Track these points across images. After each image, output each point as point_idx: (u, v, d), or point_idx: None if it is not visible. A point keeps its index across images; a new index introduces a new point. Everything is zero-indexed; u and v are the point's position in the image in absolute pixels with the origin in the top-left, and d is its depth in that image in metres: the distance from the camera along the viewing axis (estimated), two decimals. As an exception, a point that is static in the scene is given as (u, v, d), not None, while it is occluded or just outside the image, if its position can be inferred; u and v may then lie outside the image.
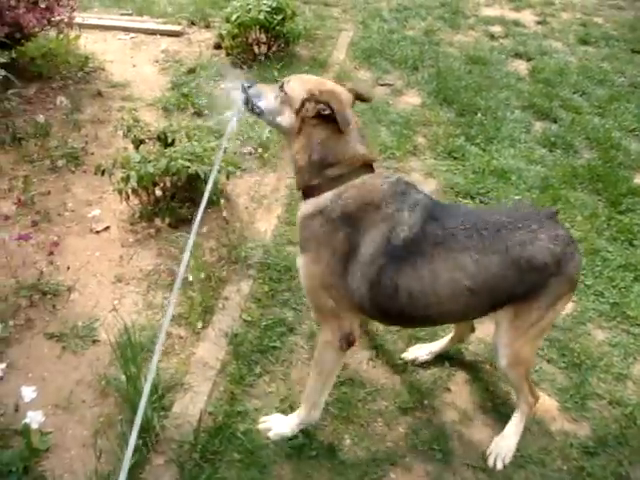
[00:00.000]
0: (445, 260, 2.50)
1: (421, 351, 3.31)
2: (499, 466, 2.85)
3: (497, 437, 2.93)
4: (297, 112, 2.56)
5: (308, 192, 2.62)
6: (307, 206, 2.62)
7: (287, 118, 2.61)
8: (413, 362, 3.29)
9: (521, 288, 2.58)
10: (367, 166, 2.62)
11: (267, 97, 2.69)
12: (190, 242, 2.41)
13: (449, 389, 3.18)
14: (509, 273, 2.53)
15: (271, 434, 2.88)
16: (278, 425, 2.89)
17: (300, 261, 2.68)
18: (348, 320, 2.67)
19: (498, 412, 3.07)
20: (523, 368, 2.80)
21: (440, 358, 3.31)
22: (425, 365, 3.27)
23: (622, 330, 3.57)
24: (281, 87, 2.66)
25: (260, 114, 2.73)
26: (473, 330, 3.29)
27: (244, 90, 2.72)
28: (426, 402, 3.10)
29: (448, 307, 2.59)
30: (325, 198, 2.55)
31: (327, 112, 2.48)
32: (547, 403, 3.11)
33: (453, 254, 2.51)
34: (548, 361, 3.33)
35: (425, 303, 2.55)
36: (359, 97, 2.74)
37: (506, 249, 2.51)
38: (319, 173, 2.56)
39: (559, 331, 3.51)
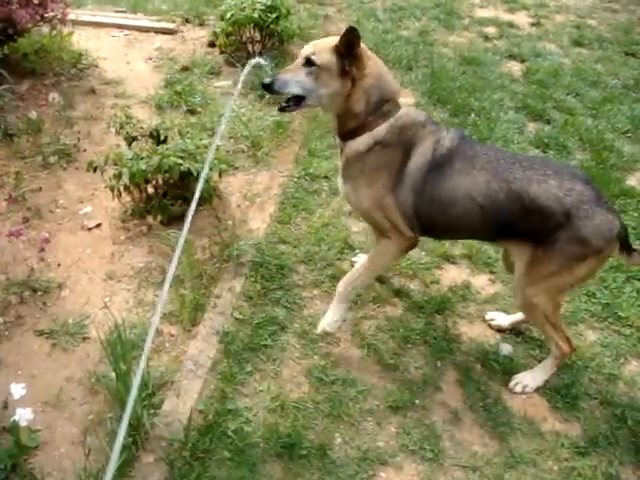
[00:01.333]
0: (467, 175, 2.87)
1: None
2: (517, 390, 3.15)
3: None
4: (341, 74, 2.81)
5: (359, 130, 2.93)
6: (360, 142, 2.94)
7: (333, 85, 2.84)
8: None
9: (525, 226, 2.84)
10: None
11: (298, 81, 2.86)
12: (181, 240, 2.40)
13: (440, 388, 3.17)
14: (513, 205, 2.81)
15: (326, 326, 3.23)
16: (326, 318, 3.24)
17: (352, 191, 3.05)
18: (406, 230, 3.03)
19: (489, 412, 3.07)
20: (539, 315, 3.03)
21: (431, 358, 3.31)
22: (417, 366, 3.28)
23: (613, 331, 3.57)
24: (307, 63, 2.84)
25: (301, 100, 2.93)
26: None
27: (267, 87, 2.91)
28: (417, 401, 3.10)
29: (464, 219, 2.93)
30: (381, 129, 2.91)
31: (355, 53, 2.76)
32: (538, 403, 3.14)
33: (473, 171, 2.86)
34: (539, 361, 3.32)
35: (448, 212, 2.91)
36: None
37: (513, 180, 2.81)
38: (375, 111, 2.89)
39: (551, 331, 3.52)
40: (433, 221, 2.99)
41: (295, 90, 2.87)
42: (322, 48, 2.83)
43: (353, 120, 2.92)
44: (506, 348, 3.39)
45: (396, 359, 3.30)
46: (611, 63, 7.06)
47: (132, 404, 1.87)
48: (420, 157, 2.89)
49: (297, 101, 2.93)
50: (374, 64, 2.89)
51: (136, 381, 1.96)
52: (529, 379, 3.17)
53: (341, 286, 3.21)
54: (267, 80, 2.88)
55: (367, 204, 3.02)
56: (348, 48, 2.76)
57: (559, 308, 3.14)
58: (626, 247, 2.92)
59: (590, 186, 2.84)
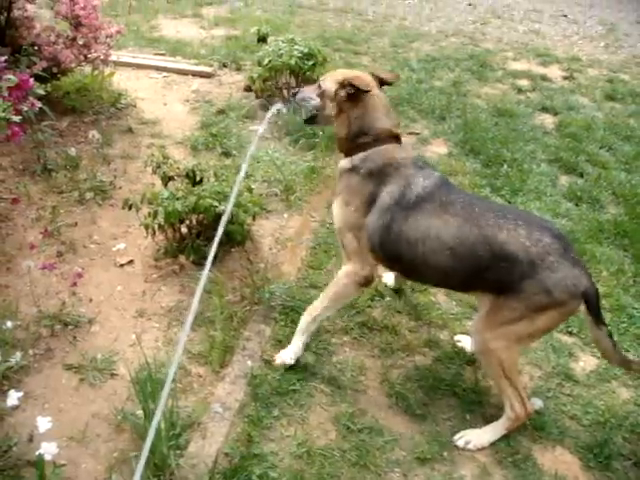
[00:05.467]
0: (438, 218, 3.01)
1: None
2: (460, 443, 3.06)
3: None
4: (333, 100, 3.26)
5: (348, 152, 3.30)
6: (345, 162, 3.30)
7: (329, 107, 3.30)
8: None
9: (493, 275, 2.91)
10: (393, 138, 3.26)
11: (311, 97, 3.36)
12: (203, 277, 2.42)
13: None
14: (481, 250, 2.91)
15: (285, 357, 3.35)
16: (286, 353, 3.37)
17: (334, 205, 3.34)
18: (369, 263, 3.25)
19: (519, 468, 2.99)
20: (495, 364, 2.99)
21: (460, 410, 3.26)
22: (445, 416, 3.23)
23: (647, 390, 3.50)
24: (319, 85, 3.34)
25: (312, 111, 3.39)
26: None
27: (294, 94, 3.48)
28: (445, 454, 3.04)
29: (433, 261, 3.03)
30: (357, 157, 3.23)
31: (352, 92, 3.17)
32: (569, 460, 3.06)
33: (446, 216, 3.00)
34: (571, 417, 3.27)
35: (416, 252, 3.05)
36: (382, 80, 3.38)
37: (485, 226, 2.93)
38: (355, 140, 3.25)
39: (582, 387, 3.46)
40: (400, 256, 3.13)
41: (310, 103, 3.36)
42: (331, 76, 3.33)
43: (342, 142, 3.32)
44: (537, 403, 3.31)
45: (424, 409, 3.25)
46: (644, 118, 7.06)
47: (152, 438, 1.86)
48: (387, 197, 3.12)
49: (313, 118, 3.43)
50: (367, 102, 3.21)
51: (157, 415, 1.95)
52: (474, 436, 3.08)
53: (304, 317, 3.38)
54: (296, 89, 3.53)
55: (340, 222, 3.28)
56: (349, 85, 3.17)
57: (517, 363, 3.13)
58: (594, 312, 2.92)
59: (560, 240, 2.91)
